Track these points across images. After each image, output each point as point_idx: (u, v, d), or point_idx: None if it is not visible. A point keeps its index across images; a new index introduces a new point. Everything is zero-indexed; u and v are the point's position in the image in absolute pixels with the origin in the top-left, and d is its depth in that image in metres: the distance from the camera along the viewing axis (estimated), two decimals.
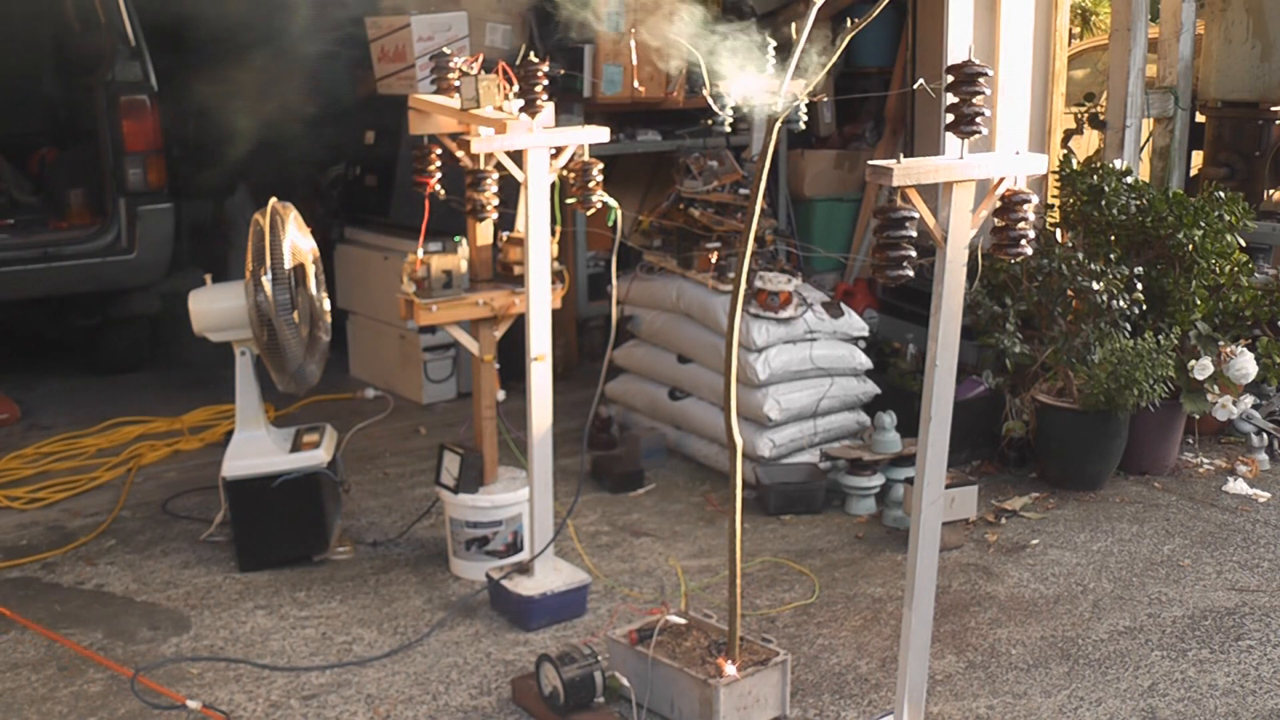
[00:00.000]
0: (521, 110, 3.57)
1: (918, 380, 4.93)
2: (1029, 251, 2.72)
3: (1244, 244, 5.22)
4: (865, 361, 4.98)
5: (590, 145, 3.65)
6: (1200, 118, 6.65)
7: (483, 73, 3.62)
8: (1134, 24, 5.89)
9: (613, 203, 3.73)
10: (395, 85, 5.98)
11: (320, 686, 3.41)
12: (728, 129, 4.27)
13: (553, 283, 3.77)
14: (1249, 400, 5.01)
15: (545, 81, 3.57)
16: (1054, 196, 5.58)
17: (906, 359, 5.35)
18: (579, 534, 4.33)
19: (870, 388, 5.00)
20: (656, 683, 3.11)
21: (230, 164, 6.32)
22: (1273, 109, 6.37)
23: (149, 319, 6.52)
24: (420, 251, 3.93)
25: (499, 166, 3.59)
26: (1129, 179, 5.34)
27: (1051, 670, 3.48)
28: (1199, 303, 5.07)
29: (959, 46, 2.64)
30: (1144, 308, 4.95)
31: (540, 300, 3.62)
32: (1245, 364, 4.87)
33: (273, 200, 4.04)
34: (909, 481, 4.28)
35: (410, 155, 4.18)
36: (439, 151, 3.93)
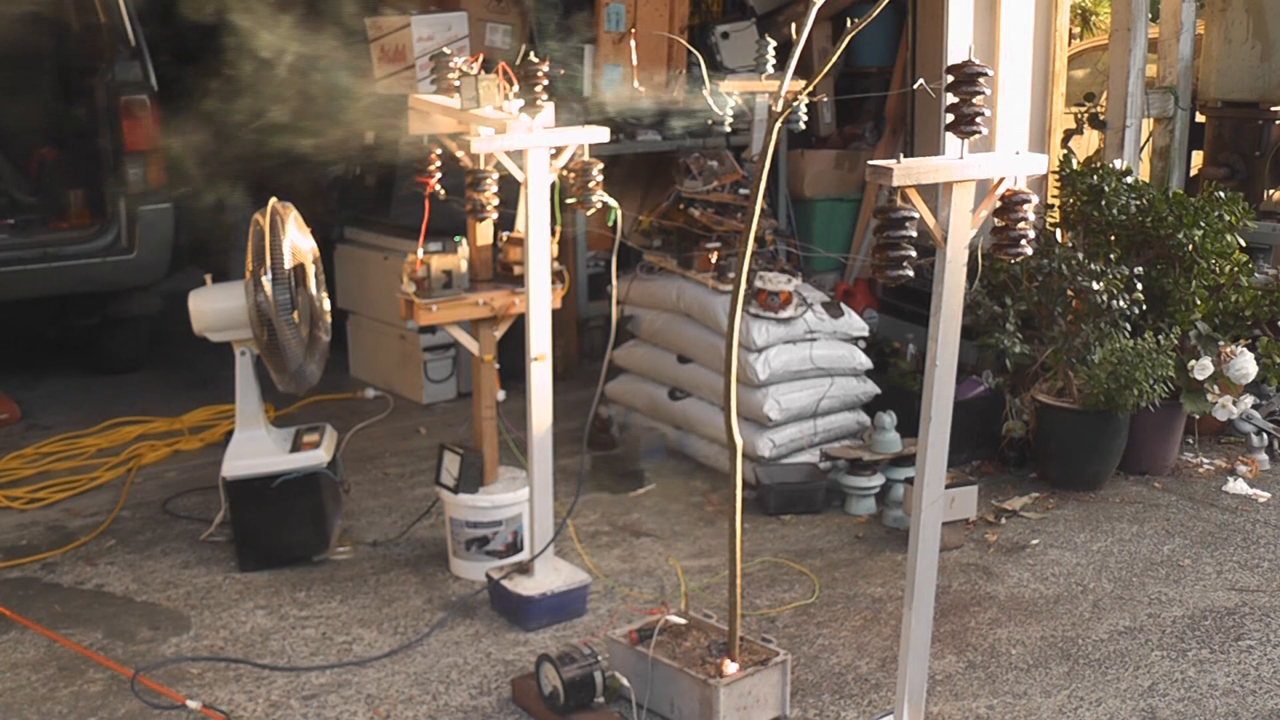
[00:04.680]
0: (521, 110, 3.57)
1: (918, 380, 4.93)
2: (1029, 251, 2.72)
3: (1244, 244, 5.22)
4: (865, 361, 4.98)
5: (590, 145, 3.65)
6: (1200, 118, 6.65)
7: (483, 73, 3.62)
8: (1134, 24, 5.89)
9: (613, 203, 3.73)
10: (395, 85, 5.98)
11: (320, 686, 3.41)
12: (728, 129, 4.27)
13: (553, 283, 3.77)
14: (1249, 400, 5.01)
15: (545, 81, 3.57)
16: (1054, 196, 5.58)
17: (906, 359, 5.35)
18: (579, 534, 4.33)
19: (870, 388, 5.00)
20: (656, 683, 3.11)
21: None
22: (1273, 109, 6.37)
23: (149, 319, 6.52)
24: (420, 251, 3.93)
25: (499, 166, 3.59)
26: (1129, 179, 5.34)
27: (1051, 670, 3.48)
28: (1199, 303, 5.07)
29: (959, 46, 2.64)
30: (1144, 308, 4.95)
31: (540, 300, 3.62)
32: (1245, 364, 4.87)
33: (273, 200, 4.04)
34: (909, 481, 4.28)
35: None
36: (439, 151, 3.93)
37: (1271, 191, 6.51)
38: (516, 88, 3.60)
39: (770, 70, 4.51)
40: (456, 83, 3.70)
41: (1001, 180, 2.68)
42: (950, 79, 2.56)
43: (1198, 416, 5.06)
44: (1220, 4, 6.46)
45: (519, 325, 3.81)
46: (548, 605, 3.70)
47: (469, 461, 3.99)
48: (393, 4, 6.06)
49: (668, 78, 6.28)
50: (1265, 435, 5.15)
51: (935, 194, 2.63)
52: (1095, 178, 5.26)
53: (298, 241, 4.02)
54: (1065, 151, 6.36)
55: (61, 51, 7.06)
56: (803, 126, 4.43)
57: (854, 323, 4.97)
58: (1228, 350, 4.92)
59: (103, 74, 5.95)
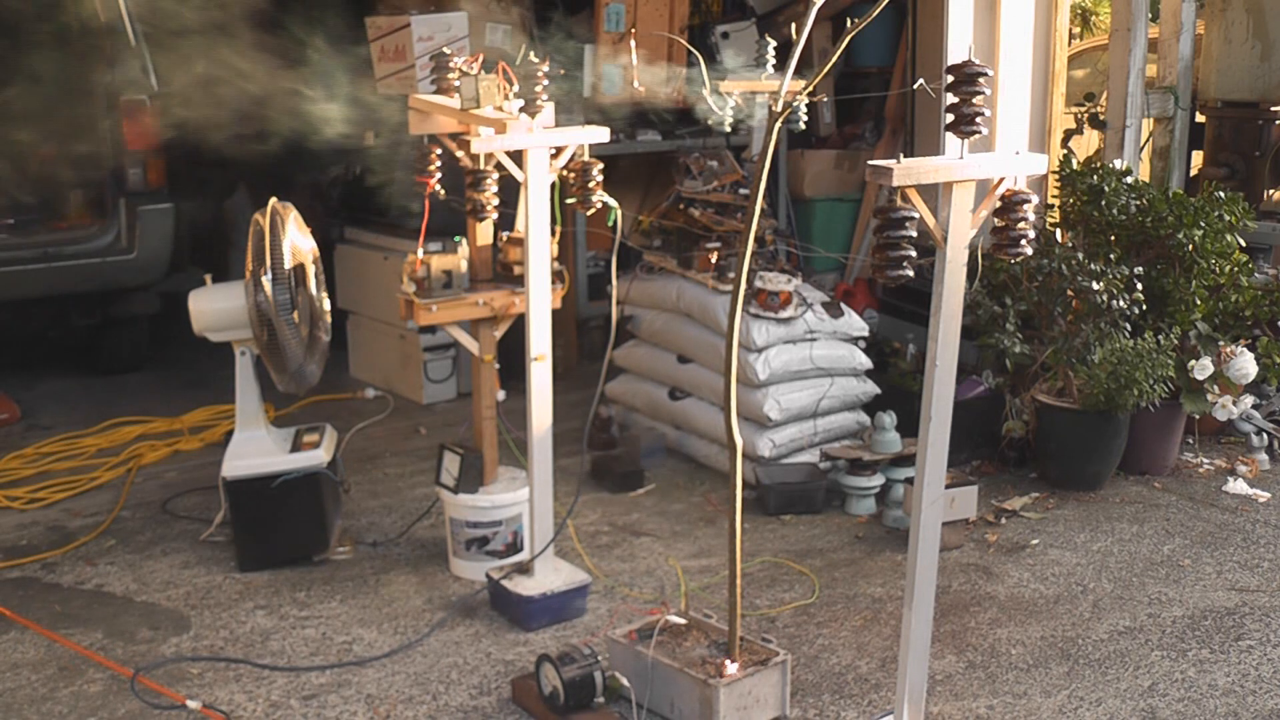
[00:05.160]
0: (521, 110, 3.57)
1: (918, 380, 4.93)
2: (1029, 251, 2.72)
3: (1244, 244, 5.22)
4: (865, 361, 4.98)
5: (590, 145, 3.65)
6: (1200, 118, 6.65)
7: (483, 73, 3.62)
8: (1134, 24, 5.89)
9: (613, 203, 3.73)
10: (395, 85, 5.98)
11: (320, 686, 3.41)
12: (728, 129, 4.27)
13: (553, 283, 3.77)
14: (1249, 400, 5.01)
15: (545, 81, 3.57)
16: (1054, 196, 5.58)
17: (906, 359, 5.35)
18: (579, 534, 4.33)
19: (870, 388, 5.00)
20: (656, 683, 3.11)
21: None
22: (1273, 109, 6.37)
23: (149, 319, 6.52)
24: (420, 251, 3.93)
25: (499, 166, 3.59)
26: (1129, 179, 5.34)
27: (1051, 670, 3.48)
28: (1199, 303, 5.07)
29: (959, 46, 2.64)
30: (1144, 308, 4.95)
31: (540, 300, 3.62)
32: (1245, 364, 4.87)
33: (273, 200, 4.04)
34: (909, 481, 4.28)
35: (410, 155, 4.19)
36: (439, 151, 3.93)
37: (1271, 191, 6.51)
38: (516, 88, 3.60)
39: (770, 70, 4.50)
40: (456, 83, 3.71)
41: (1001, 180, 2.68)
42: (950, 79, 2.56)
43: (1198, 416, 5.06)
44: (1220, 4, 6.46)
45: (519, 325, 3.81)
46: (548, 605, 3.70)
47: (469, 461, 3.99)
48: (393, 4, 6.06)
49: (667, 78, 6.28)
50: (1265, 435, 5.15)
51: (935, 194, 2.63)
52: (1095, 178, 5.25)
53: (298, 241, 4.02)
54: (1065, 151, 6.36)
55: (61, 51, 7.06)
56: (803, 126, 4.43)
57: (854, 323, 4.97)
58: (1228, 350, 4.92)
59: (103, 74, 5.95)
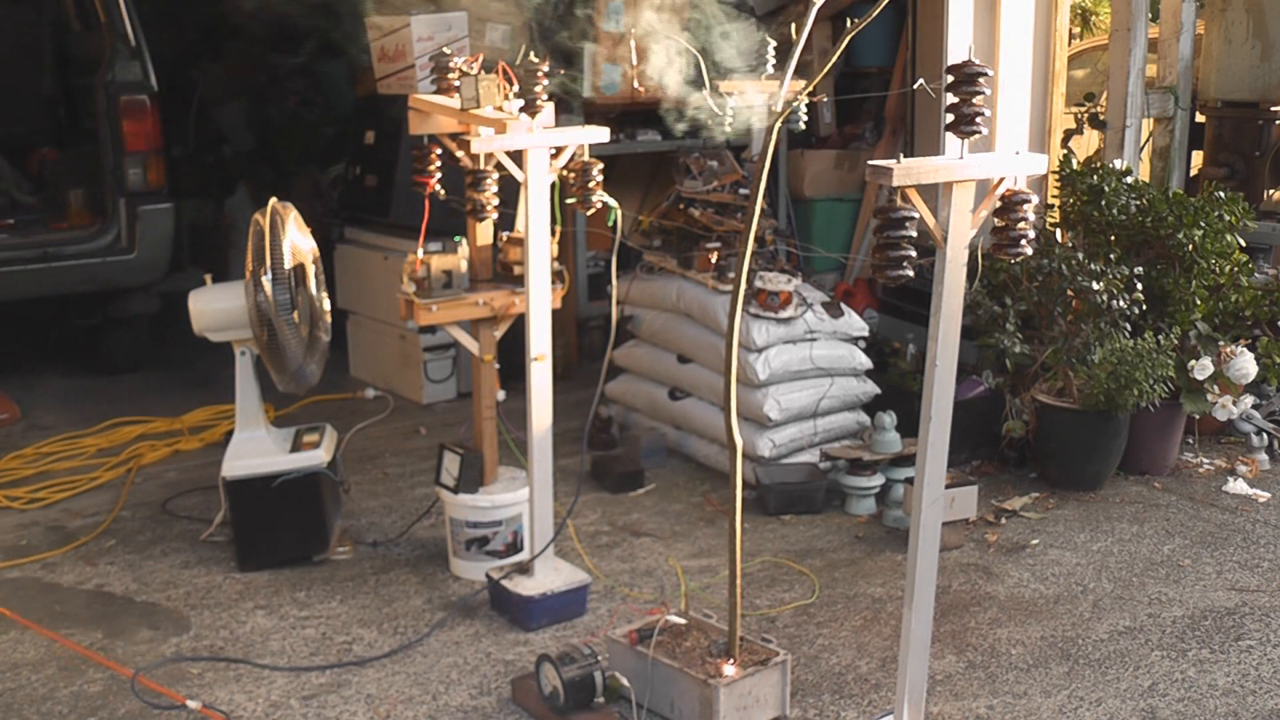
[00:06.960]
0: (521, 110, 3.57)
1: (918, 380, 4.93)
2: (1029, 251, 2.72)
3: (1244, 244, 5.22)
4: (865, 361, 4.98)
5: (590, 145, 3.65)
6: (1200, 118, 6.65)
7: (483, 73, 3.63)
8: (1134, 24, 5.90)
9: (613, 203, 3.73)
10: (395, 85, 5.98)
11: (320, 686, 3.41)
12: (727, 129, 4.27)
13: (553, 283, 3.77)
14: (1249, 400, 5.01)
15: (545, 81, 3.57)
16: (1054, 196, 5.58)
17: (906, 359, 5.35)
18: (579, 534, 4.33)
19: (870, 388, 5.00)
20: (656, 683, 3.11)
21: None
22: (1273, 109, 6.38)
23: (149, 319, 6.53)
24: (420, 251, 3.93)
25: (499, 166, 3.59)
26: (1129, 179, 5.34)
27: (1051, 670, 3.48)
28: (1199, 303, 5.07)
29: (959, 46, 2.64)
30: (1144, 308, 4.95)
31: (540, 300, 3.62)
32: (1245, 364, 4.87)
33: (273, 200, 4.05)
34: (909, 481, 4.28)
35: (410, 155, 4.19)
36: (439, 151, 3.93)
37: (1271, 191, 6.51)
38: (517, 88, 3.60)
39: (770, 70, 4.50)
40: (456, 83, 3.71)
41: (1001, 180, 2.68)
42: (950, 79, 2.56)
43: (1198, 416, 5.06)
44: (1220, 4, 6.46)
45: (519, 325, 3.81)
46: (548, 605, 3.70)
47: (469, 461, 3.99)
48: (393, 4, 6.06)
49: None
50: (1265, 435, 5.15)
51: (935, 194, 2.63)
52: (1095, 178, 5.26)
53: (298, 241, 4.02)
54: (1065, 151, 6.36)
55: (62, 51, 7.07)
56: (803, 126, 4.42)
57: (854, 323, 4.97)
58: (1228, 350, 4.92)
59: (103, 74, 5.96)
